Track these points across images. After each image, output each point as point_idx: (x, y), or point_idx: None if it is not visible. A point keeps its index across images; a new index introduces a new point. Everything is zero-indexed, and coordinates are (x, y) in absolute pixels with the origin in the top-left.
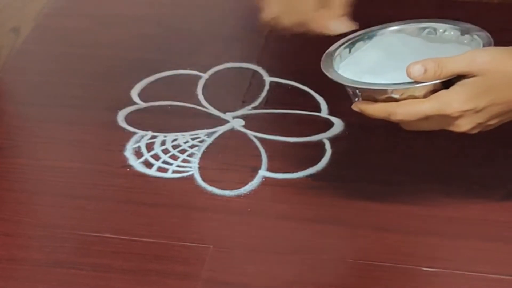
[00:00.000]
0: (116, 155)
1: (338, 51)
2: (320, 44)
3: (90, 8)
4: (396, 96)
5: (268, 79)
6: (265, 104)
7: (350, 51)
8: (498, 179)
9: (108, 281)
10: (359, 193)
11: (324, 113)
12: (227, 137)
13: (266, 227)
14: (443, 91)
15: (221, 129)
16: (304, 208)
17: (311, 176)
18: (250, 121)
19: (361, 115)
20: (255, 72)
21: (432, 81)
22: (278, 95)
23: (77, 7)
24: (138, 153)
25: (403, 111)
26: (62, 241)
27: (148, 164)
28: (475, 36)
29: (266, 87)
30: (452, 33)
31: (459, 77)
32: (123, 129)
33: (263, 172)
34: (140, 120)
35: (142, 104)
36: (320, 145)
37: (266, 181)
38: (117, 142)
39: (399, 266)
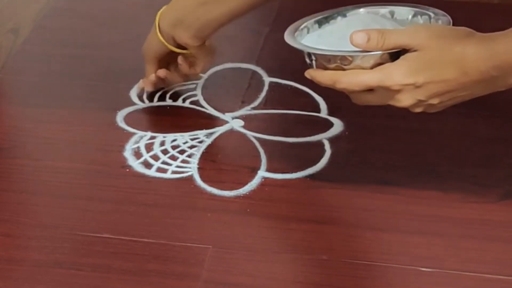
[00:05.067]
0: (115, 156)
1: (307, 24)
2: None
3: (89, 9)
4: (344, 65)
5: (267, 79)
6: (265, 104)
7: (320, 26)
8: (496, 179)
9: (108, 281)
10: (358, 193)
11: (323, 113)
12: (226, 137)
13: (265, 227)
14: (387, 64)
15: (220, 130)
16: (303, 208)
17: (310, 176)
18: (250, 122)
19: (360, 115)
20: (255, 72)
21: (375, 51)
22: (278, 96)
23: (76, 8)
24: (137, 154)
25: (346, 80)
26: (62, 241)
27: (148, 165)
28: (439, 21)
29: (266, 88)
30: (410, 16)
31: (405, 52)
32: (122, 129)
33: (262, 173)
34: (139, 120)
35: (141, 105)
36: (319, 145)
37: (265, 181)
38: (116, 143)
39: (397, 266)
